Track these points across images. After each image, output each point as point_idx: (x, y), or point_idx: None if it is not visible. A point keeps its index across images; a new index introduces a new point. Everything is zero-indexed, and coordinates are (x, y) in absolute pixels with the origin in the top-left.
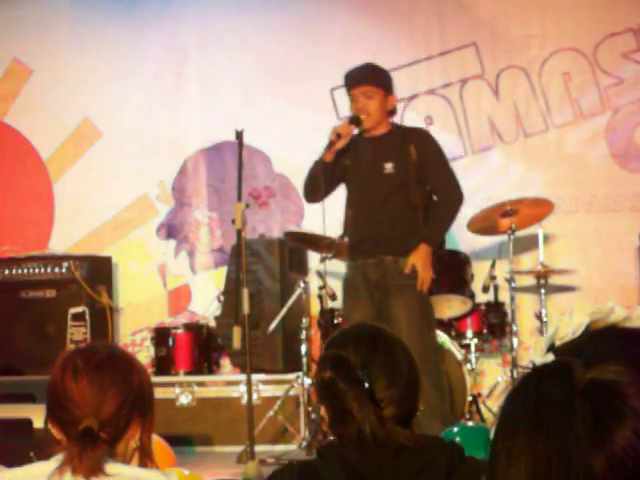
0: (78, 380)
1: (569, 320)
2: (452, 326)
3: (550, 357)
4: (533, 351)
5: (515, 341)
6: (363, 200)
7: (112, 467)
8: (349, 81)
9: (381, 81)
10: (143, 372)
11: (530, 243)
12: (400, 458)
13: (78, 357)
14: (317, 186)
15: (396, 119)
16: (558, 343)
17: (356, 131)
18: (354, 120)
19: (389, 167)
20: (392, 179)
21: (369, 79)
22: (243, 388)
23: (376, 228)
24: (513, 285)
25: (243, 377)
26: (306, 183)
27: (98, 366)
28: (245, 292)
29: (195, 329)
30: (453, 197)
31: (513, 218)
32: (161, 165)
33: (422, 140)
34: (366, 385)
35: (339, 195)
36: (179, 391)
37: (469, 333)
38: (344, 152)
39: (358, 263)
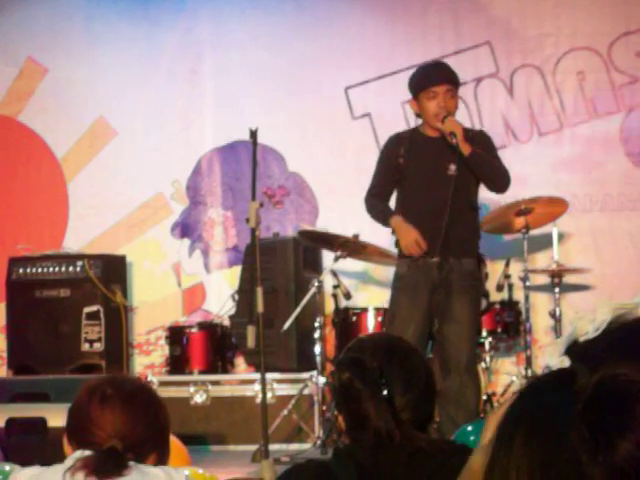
0: (105, 406)
1: (591, 317)
2: None
3: (566, 360)
4: (549, 354)
5: (529, 340)
6: (425, 200)
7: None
8: (433, 77)
9: (458, 79)
10: (166, 410)
11: (544, 242)
12: (414, 461)
13: (107, 385)
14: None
15: (411, 118)
16: (582, 340)
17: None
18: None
19: (452, 168)
20: (455, 180)
21: (454, 78)
22: (257, 387)
23: (440, 229)
24: (527, 284)
25: (257, 376)
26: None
27: (130, 397)
28: (259, 291)
29: (209, 328)
30: (506, 174)
31: (527, 217)
32: (175, 164)
33: (480, 139)
34: (384, 392)
35: (353, 194)
36: (193, 390)
37: (483, 332)
38: (396, 151)
39: (419, 262)
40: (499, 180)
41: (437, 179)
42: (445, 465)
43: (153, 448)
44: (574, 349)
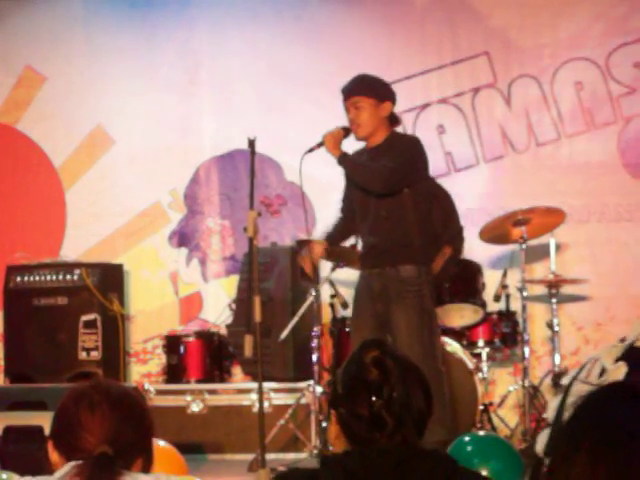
0: (95, 412)
1: None
2: (464, 335)
3: (622, 366)
4: (605, 356)
5: (526, 350)
6: (362, 211)
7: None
8: (342, 94)
9: (370, 90)
10: (150, 413)
11: (542, 252)
12: (401, 469)
13: (93, 391)
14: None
15: (409, 128)
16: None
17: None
18: (345, 129)
19: None
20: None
21: (357, 90)
22: (254, 396)
23: (375, 238)
24: (525, 294)
25: (254, 385)
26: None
27: (117, 401)
28: (257, 300)
29: (206, 337)
30: (381, 175)
31: (525, 227)
32: (173, 173)
33: (399, 144)
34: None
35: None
36: (190, 399)
37: (480, 342)
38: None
39: (365, 273)
40: (366, 182)
41: (364, 192)
42: (432, 473)
43: (140, 452)
44: (632, 355)
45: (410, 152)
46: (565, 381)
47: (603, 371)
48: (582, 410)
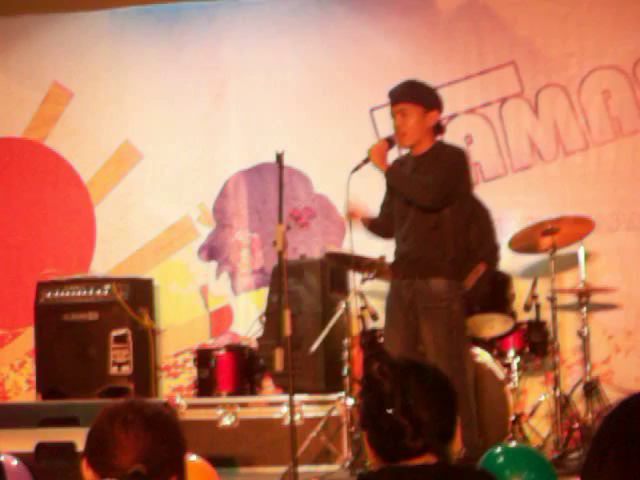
0: (129, 431)
1: None
2: (494, 345)
3: None
4: None
5: (557, 359)
6: (399, 220)
7: None
8: (390, 98)
9: (419, 97)
10: (183, 431)
11: (571, 261)
12: None
13: (128, 410)
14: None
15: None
16: None
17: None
18: (389, 139)
19: None
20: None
21: (405, 96)
22: (285, 409)
23: (407, 248)
24: (555, 304)
25: (285, 398)
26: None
27: (151, 420)
28: (287, 313)
29: (237, 350)
30: (430, 190)
31: (554, 236)
32: (202, 187)
33: (446, 156)
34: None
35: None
36: (222, 412)
37: (511, 352)
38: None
39: (395, 283)
40: (416, 197)
41: (405, 201)
42: None
43: (173, 471)
44: None
45: (457, 166)
46: None
47: None
48: (608, 421)
